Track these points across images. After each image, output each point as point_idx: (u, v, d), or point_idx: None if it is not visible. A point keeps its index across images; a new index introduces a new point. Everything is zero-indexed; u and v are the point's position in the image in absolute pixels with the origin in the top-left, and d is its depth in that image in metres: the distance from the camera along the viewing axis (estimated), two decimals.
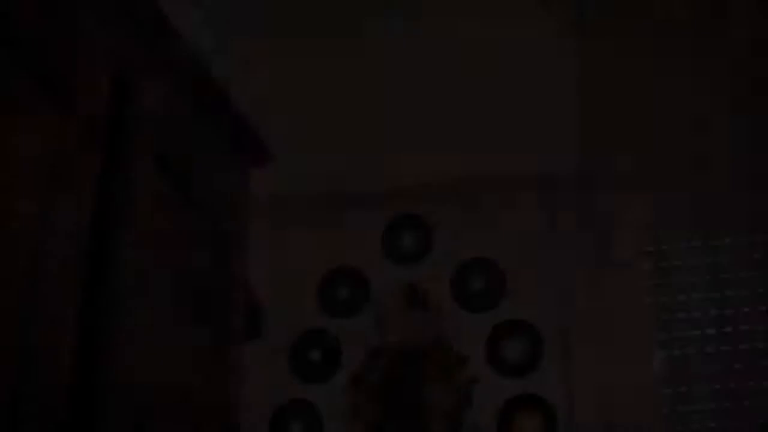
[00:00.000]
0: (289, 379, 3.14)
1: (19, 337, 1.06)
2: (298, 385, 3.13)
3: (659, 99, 3.01)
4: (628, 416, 2.78)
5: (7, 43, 1.09)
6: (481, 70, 3.19)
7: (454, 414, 2.94)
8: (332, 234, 3.28)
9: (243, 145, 1.88)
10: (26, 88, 1.14)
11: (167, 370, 1.45)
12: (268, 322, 2.95)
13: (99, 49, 1.32)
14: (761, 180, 2.84)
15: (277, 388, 3.11)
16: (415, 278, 3.12)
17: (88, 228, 1.22)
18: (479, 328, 3.07)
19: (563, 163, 3.06)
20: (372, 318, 3.16)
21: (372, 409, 3.02)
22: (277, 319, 3.05)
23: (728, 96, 2.94)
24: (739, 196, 2.87)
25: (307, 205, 3.25)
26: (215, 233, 1.70)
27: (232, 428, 1.70)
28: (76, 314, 1.17)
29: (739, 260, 2.91)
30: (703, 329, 2.87)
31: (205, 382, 1.60)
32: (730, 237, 2.94)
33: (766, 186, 2.84)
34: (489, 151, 3.08)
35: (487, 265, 3.15)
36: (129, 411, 1.28)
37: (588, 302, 3.00)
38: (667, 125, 2.98)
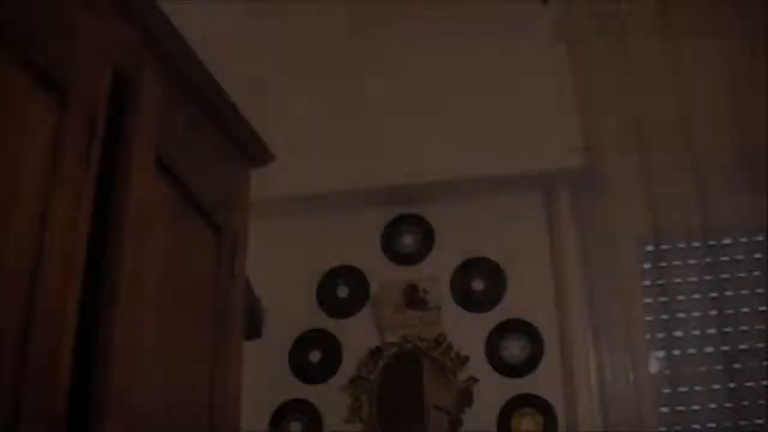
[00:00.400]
0: (289, 379, 3.14)
1: (19, 337, 1.06)
2: (298, 385, 3.13)
3: (660, 98, 3.01)
4: (628, 416, 2.78)
5: (7, 43, 1.09)
6: (480, 69, 3.19)
7: (454, 414, 2.94)
8: (332, 234, 3.28)
9: (243, 145, 1.88)
10: (26, 87, 1.14)
11: (167, 370, 1.45)
12: (268, 322, 2.95)
13: (99, 48, 1.32)
14: (761, 180, 2.84)
15: (277, 388, 3.11)
16: (415, 278, 3.12)
17: (88, 228, 1.23)
18: (479, 328, 3.07)
19: (563, 163, 3.05)
20: (372, 318, 3.16)
21: (372, 409, 3.02)
22: (277, 319, 3.05)
23: (729, 95, 2.93)
24: (738, 196, 2.87)
25: (307, 205, 3.25)
26: (215, 233, 1.71)
27: (233, 428, 1.70)
28: (76, 314, 1.17)
29: (739, 260, 2.91)
30: (703, 329, 2.87)
31: (206, 382, 1.60)
32: (730, 237, 2.93)
33: (765, 186, 2.83)
34: (489, 151, 3.08)
35: (487, 265, 3.15)
36: (129, 411, 1.28)
37: (588, 302, 3.00)
38: (667, 125, 2.98)
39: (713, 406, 2.79)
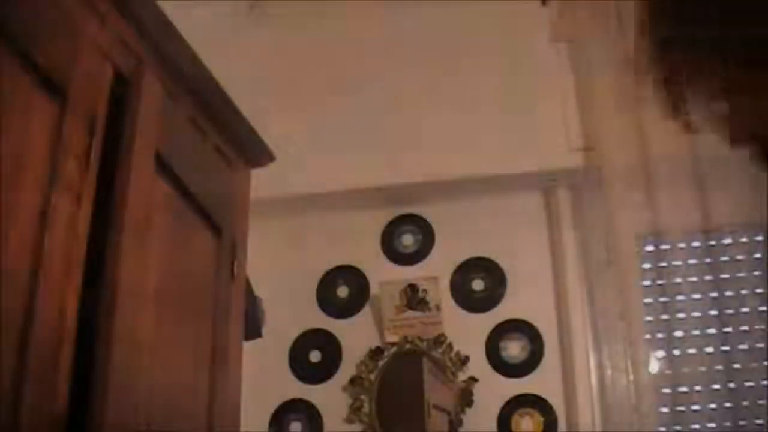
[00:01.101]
0: (288, 379, 3.14)
1: (20, 336, 1.06)
2: (298, 385, 3.13)
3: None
4: (628, 416, 2.78)
5: (7, 43, 1.09)
6: (481, 69, 3.19)
7: (454, 414, 2.94)
8: (332, 234, 3.28)
9: (243, 145, 1.88)
10: (26, 87, 1.14)
11: (167, 370, 1.45)
12: (268, 322, 2.95)
13: (99, 49, 1.32)
14: (761, 179, 2.84)
15: (277, 388, 3.11)
16: (415, 278, 3.12)
17: (88, 228, 1.22)
18: (479, 328, 3.07)
19: (563, 163, 3.05)
20: (372, 318, 3.16)
21: (372, 409, 3.02)
22: (277, 319, 3.05)
23: None
24: (738, 196, 2.87)
25: (307, 205, 3.25)
26: (215, 233, 1.70)
27: (232, 428, 1.70)
28: (76, 314, 1.17)
29: (739, 260, 2.91)
30: (703, 329, 2.87)
31: (206, 382, 1.60)
32: (730, 237, 2.94)
33: (765, 185, 2.83)
34: (489, 151, 3.08)
35: (487, 265, 3.15)
36: (128, 411, 1.28)
37: (587, 302, 3.00)
38: (667, 124, 2.97)
39: (713, 406, 2.79)
